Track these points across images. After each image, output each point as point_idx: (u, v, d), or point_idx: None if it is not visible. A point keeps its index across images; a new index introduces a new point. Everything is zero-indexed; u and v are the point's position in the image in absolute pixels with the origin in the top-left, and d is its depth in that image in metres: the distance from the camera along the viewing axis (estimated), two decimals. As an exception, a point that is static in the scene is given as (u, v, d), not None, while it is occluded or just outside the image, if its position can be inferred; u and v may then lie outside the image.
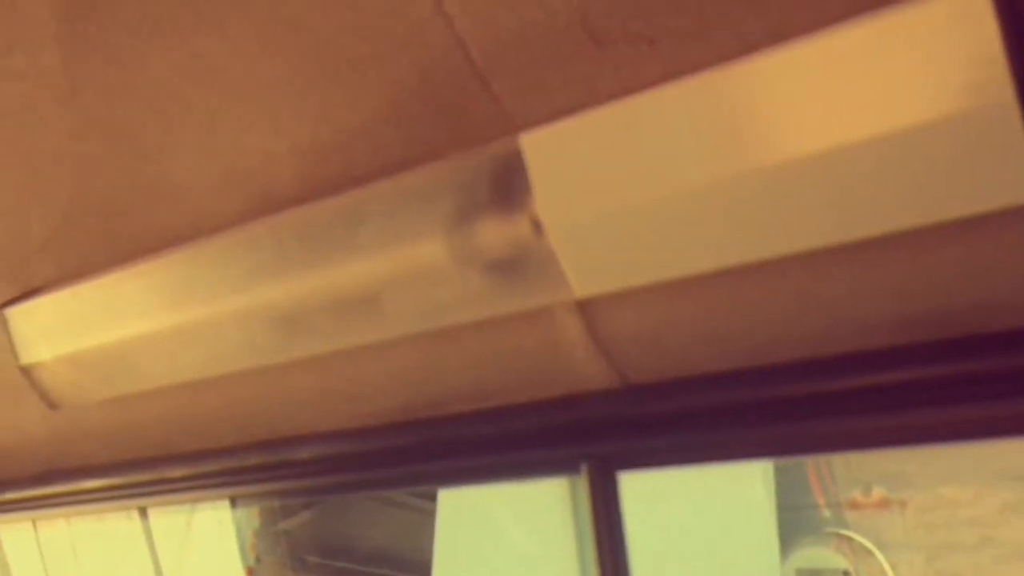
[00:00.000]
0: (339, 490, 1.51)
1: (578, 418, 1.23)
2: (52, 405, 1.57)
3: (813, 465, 4.93)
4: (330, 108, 1.12)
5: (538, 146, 1.01)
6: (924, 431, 1.02)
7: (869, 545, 4.73)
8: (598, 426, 1.22)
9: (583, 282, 1.06)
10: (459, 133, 1.08)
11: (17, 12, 1.12)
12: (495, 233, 1.07)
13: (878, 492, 4.71)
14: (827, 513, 4.88)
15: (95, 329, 1.43)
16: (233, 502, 1.64)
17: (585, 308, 1.13)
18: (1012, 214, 0.84)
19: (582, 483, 1.23)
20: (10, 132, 1.24)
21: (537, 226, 1.04)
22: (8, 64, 1.18)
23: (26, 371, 1.54)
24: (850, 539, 4.78)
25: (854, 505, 4.82)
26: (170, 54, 1.12)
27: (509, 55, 1.00)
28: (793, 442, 1.12)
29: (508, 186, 1.05)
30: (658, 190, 0.97)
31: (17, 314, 1.49)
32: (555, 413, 1.24)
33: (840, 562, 4.80)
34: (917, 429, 1.03)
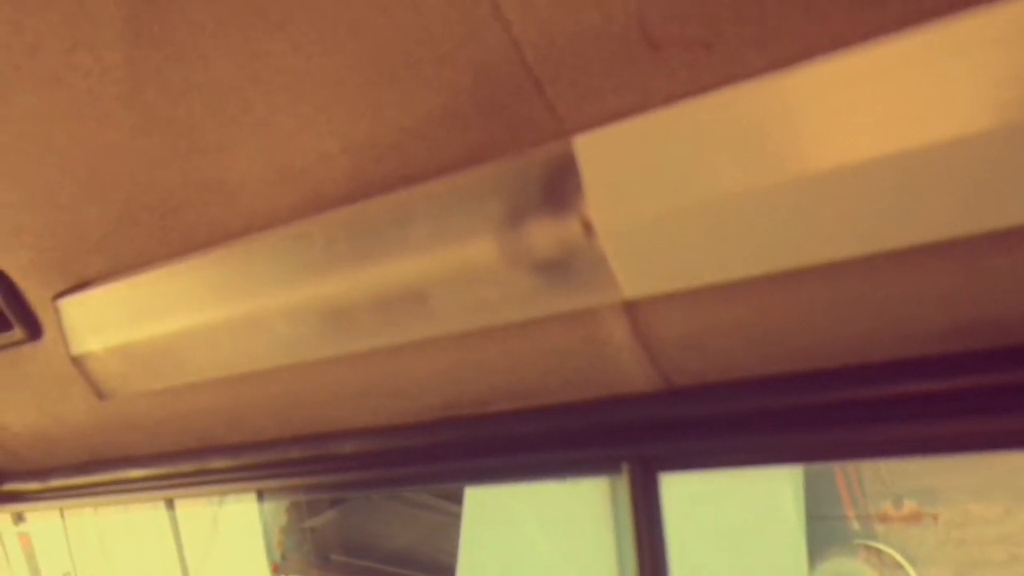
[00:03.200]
0: (380, 485, 1.53)
1: (620, 419, 1.24)
2: (101, 395, 1.60)
3: (843, 476, 4.89)
4: (385, 108, 1.14)
5: (591, 148, 1.02)
6: (971, 440, 1.02)
7: (899, 558, 4.69)
8: (640, 427, 1.23)
9: (632, 283, 1.07)
10: (512, 135, 1.10)
11: (84, 10, 1.16)
12: (545, 234, 1.09)
13: (910, 505, 4.67)
14: (856, 525, 4.84)
15: (145, 321, 1.46)
16: (261, 496, 1.67)
17: (631, 310, 1.14)
18: (1068, 223, 0.85)
19: (623, 483, 1.24)
20: (73, 128, 1.28)
21: (588, 227, 1.05)
22: (73, 61, 1.21)
23: (77, 361, 1.58)
24: (879, 551, 4.74)
25: (884, 518, 4.78)
26: (232, 53, 1.14)
27: (564, 58, 1.01)
28: (836, 447, 1.12)
29: (560, 188, 1.06)
30: (708, 194, 0.98)
31: (70, 305, 1.52)
32: (597, 414, 1.25)
33: (868, 574, 4.76)
34: (963, 438, 1.03)
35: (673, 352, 1.17)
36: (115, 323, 1.50)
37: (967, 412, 1.03)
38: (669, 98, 0.99)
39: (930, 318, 1.01)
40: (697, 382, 1.19)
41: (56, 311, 1.55)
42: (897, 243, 0.94)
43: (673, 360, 1.18)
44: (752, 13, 0.91)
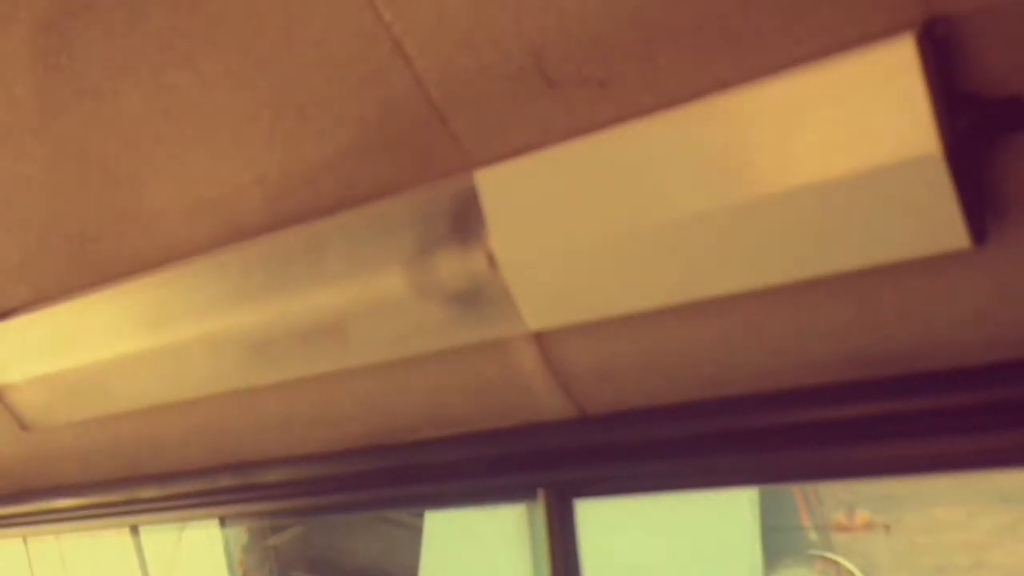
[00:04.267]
0: (309, 512, 1.53)
1: (536, 447, 1.25)
2: (24, 426, 1.59)
3: (800, 486, 4.93)
4: (296, 142, 1.15)
5: (492, 182, 1.04)
6: (864, 464, 1.05)
7: (854, 569, 4.73)
8: (555, 455, 1.24)
9: (536, 316, 1.09)
10: (419, 168, 1.11)
11: (-8, 44, 1.15)
12: (453, 266, 1.10)
13: (861, 515, 4.72)
14: (813, 535, 4.88)
15: (67, 352, 1.45)
16: (222, 521, 1.66)
17: (541, 340, 1.16)
18: (943, 260, 0.87)
19: (539, 510, 1.25)
20: (-15, 159, 1.27)
21: (491, 260, 1.06)
22: (-17, 93, 1.21)
23: (-1, 391, 1.56)
24: (836, 563, 4.78)
25: (840, 527, 4.82)
26: (141, 87, 1.15)
27: (467, 94, 1.03)
28: (743, 472, 1.14)
29: (465, 221, 1.07)
30: (608, 228, 1.00)
31: (-8, 335, 1.51)
32: (514, 442, 1.26)
33: (824, 585, 4.80)
34: (861, 463, 1.06)
35: (585, 381, 1.19)
36: (36, 353, 1.49)
37: (866, 438, 1.05)
38: (568, 134, 1.01)
39: (824, 348, 1.03)
40: (610, 410, 1.21)
41: (-22, 341, 1.54)
42: (788, 277, 0.96)
43: (585, 389, 1.20)
44: (642, 54, 0.93)
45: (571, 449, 1.23)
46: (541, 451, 1.25)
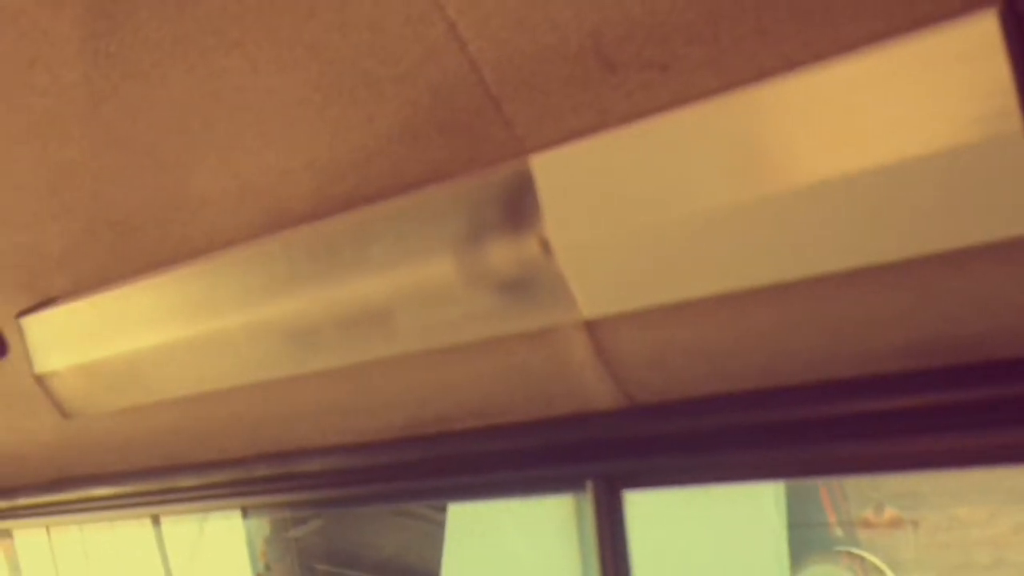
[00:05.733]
0: (345, 503, 1.52)
1: (584, 437, 1.23)
2: (65, 414, 1.59)
3: (825, 483, 4.90)
4: (346, 127, 1.13)
5: (548, 168, 1.02)
6: (926, 457, 1.02)
7: (880, 565, 4.70)
8: (604, 445, 1.23)
9: (590, 303, 1.07)
10: (471, 154, 1.09)
11: (39, 28, 1.15)
12: (504, 253, 1.09)
13: (890, 511, 4.69)
14: (839, 531, 4.85)
15: (109, 340, 1.45)
16: (244, 511, 1.66)
17: (592, 328, 1.14)
18: (1016, 245, 0.85)
19: (587, 501, 1.24)
20: (32, 146, 1.27)
21: (546, 247, 1.05)
22: (30, 79, 1.20)
23: (40, 380, 1.56)
24: (861, 558, 4.75)
25: (866, 524, 4.79)
26: (191, 71, 1.14)
27: (521, 78, 1.01)
28: (795, 465, 1.12)
29: (518, 207, 1.06)
30: (665, 214, 0.98)
31: (33, 323, 1.51)
32: (561, 432, 1.25)
33: (849, 581, 4.77)
34: (919, 455, 1.04)
35: (635, 370, 1.17)
36: (79, 341, 1.48)
37: (923, 430, 1.03)
38: (626, 118, 0.99)
39: (885, 337, 1.01)
40: (660, 400, 1.19)
41: (20, 329, 1.54)
42: (852, 263, 0.94)
43: (635, 378, 1.18)
44: (706, 35, 0.91)
45: (620, 439, 1.22)
46: (590, 441, 1.23)
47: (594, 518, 1.24)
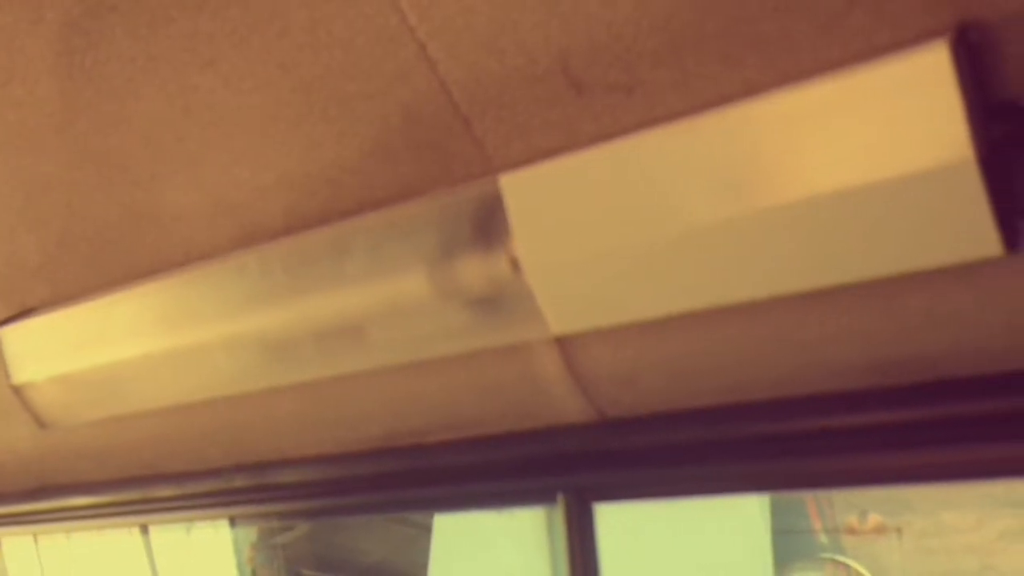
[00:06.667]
0: (323, 514, 1.52)
1: (555, 450, 1.25)
2: (42, 424, 1.59)
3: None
4: (318, 143, 1.14)
5: (517, 187, 1.03)
6: (890, 472, 1.04)
7: (865, 572, 4.72)
8: (574, 458, 1.24)
9: (559, 320, 1.08)
10: (442, 171, 1.11)
11: (15, 44, 1.15)
12: (475, 269, 1.10)
13: (874, 518, 4.70)
14: (823, 538, 4.87)
15: (86, 351, 1.45)
16: (232, 521, 1.66)
17: (563, 344, 1.15)
18: (973, 267, 0.86)
19: (558, 514, 1.25)
20: (7, 159, 1.27)
21: (515, 264, 1.06)
22: (7, 93, 1.21)
23: (17, 390, 1.57)
24: (846, 565, 4.77)
25: (850, 530, 4.81)
26: (164, 88, 1.15)
27: (491, 98, 1.02)
28: (762, 478, 1.14)
29: (488, 224, 1.07)
30: (632, 234, 1.00)
31: (10, 334, 1.51)
32: (533, 445, 1.26)
33: (834, 588, 4.78)
34: (884, 470, 1.05)
35: (605, 385, 1.18)
36: (56, 352, 1.49)
37: (889, 445, 1.05)
38: (593, 139, 1.00)
39: (852, 355, 1.03)
40: (630, 414, 1.20)
41: (-3, 339, 1.54)
42: (816, 283, 0.96)
43: (606, 393, 1.19)
44: (670, 60, 0.92)
45: (591, 453, 1.23)
46: (560, 455, 1.25)
47: (564, 531, 1.25)
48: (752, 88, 0.90)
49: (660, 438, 1.19)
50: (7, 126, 1.25)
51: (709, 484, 1.18)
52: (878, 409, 1.03)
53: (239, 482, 1.59)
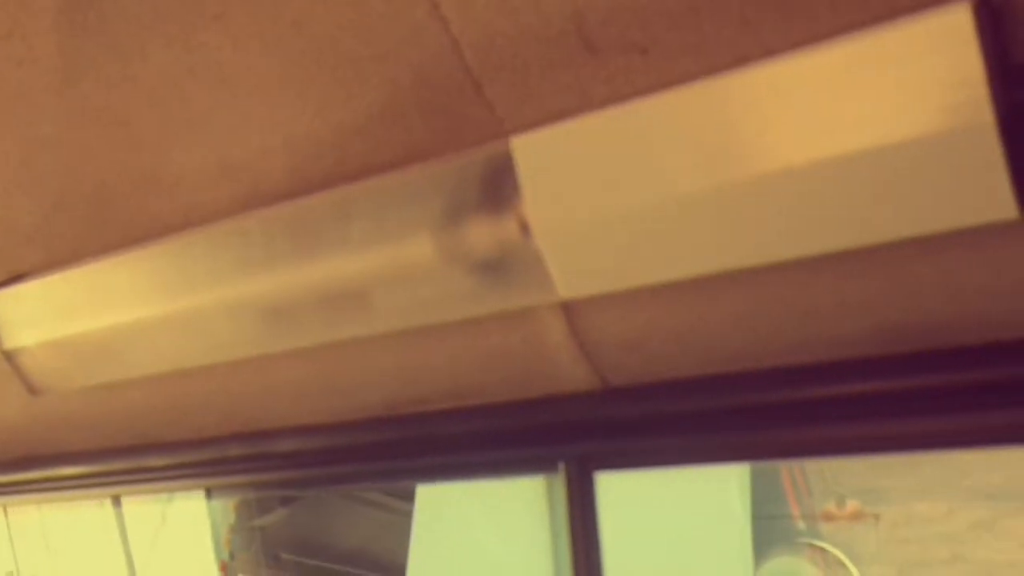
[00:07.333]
0: (319, 483, 1.52)
1: (558, 418, 1.25)
2: (34, 391, 1.57)
3: (788, 475, 4.97)
4: (326, 105, 1.13)
5: (528, 149, 1.03)
6: (896, 440, 1.05)
7: (842, 557, 4.77)
8: (577, 427, 1.24)
9: (568, 284, 1.08)
10: (451, 134, 1.10)
11: (16, -2, 1.13)
12: (483, 233, 1.09)
13: (852, 504, 4.76)
14: (801, 524, 4.92)
15: (81, 316, 1.44)
16: (209, 494, 1.65)
17: (569, 310, 1.15)
18: (985, 232, 0.87)
19: (559, 482, 1.25)
20: (4, 117, 1.25)
21: (524, 228, 1.05)
22: (5, 50, 1.19)
23: (9, 356, 1.54)
24: (823, 551, 4.82)
25: (828, 517, 4.86)
26: (170, 46, 1.13)
27: (503, 59, 1.02)
28: (768, 447, 1.14)
29: (497, 188, 1.07)
30: (644, 197, 1.00)
31: (2, 298, 1.49)
32: (535, 413, 1.26)
33: (812, 573, 4.84)
34: (889, 438, 1.06)
35: (610, 352, 1.18)
36: (49, 317, 1.47)
37: (895, 413, 1.06)
38: (606, 101, 1.00)
39: (856, 322, 1.03)
40: (634, 382, 1.20)
41: (-12, 304, 1.52)
42: (824, 249, 0.96)
43: (610, 360, 1.19)
44: (687, 21, 0.92)
45: (593, 421, 1.23)
46: (562, 423, 1.25)
47: (566, 499, 1.25)
48: (769, 50, 0.90)
49: (663, 406, 1.19)
50: (5, 84, 1.22)
51: (713, 452, 1.19)
52: (885, 377, 1.04)
53: (233, 451, 1.58)
